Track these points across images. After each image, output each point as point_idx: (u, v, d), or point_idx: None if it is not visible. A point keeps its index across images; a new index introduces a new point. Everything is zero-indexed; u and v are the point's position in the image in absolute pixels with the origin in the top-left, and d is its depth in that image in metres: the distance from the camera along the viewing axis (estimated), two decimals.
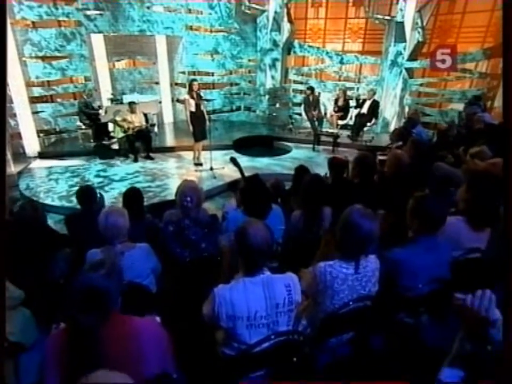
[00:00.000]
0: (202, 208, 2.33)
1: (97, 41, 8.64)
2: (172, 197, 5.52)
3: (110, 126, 7.82)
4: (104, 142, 7.72)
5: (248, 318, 1.48)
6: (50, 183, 6.06)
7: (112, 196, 5.58)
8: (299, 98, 10.10)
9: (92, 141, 7.86)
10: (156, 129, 8.58)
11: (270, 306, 1.50)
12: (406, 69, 8.92)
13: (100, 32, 8.26)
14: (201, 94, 6.61)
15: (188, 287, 2.14)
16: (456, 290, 1.02)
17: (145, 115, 7.54)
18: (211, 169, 6.50)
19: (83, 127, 7.89)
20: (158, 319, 1.73)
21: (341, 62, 9.55)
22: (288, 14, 9.55)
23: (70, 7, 7.70)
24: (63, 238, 3.25)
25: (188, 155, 7.31)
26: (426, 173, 3.16)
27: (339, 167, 3.36)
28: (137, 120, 7.25)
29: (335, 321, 1.65)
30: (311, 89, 8.44)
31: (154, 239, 2.92)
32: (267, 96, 10.11)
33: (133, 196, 3.00)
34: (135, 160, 7.16)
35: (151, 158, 7.27)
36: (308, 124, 8.94)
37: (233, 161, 3.69)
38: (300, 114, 9.67)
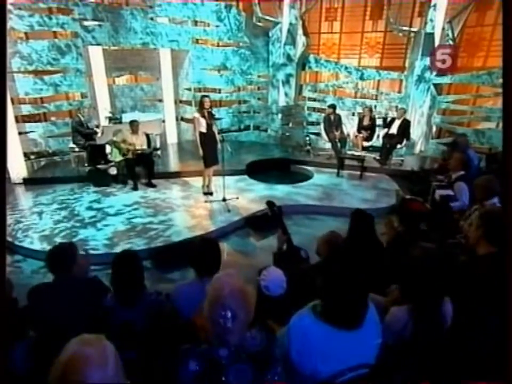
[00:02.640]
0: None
1: (96, 54, 7.88)
2: (178, 237, 4.60)
3: (107, 148, 6.89)
4: (99, 166, 6.77)
5: None
6: (32, 217, 5.06)
7: (105, 234, 4.58)
8: (314, 116, 9.31)
9: (86, 164, 6.94)
10: (159, 152, 7.68)
11: None
12: (434, 85, 8.11)
13: (98, 44, 7.51)
14: (214, 112, 5.70)
15: None
16: None
17: (147, 136, 6.62)
18: (224, 200, 5.51)
19: (77, 148, 6.99)
20: None
21: (361, 78, 8.77)
22: (304, 26, 8.84)
23: (65, 17, 6.93)
24: (26, 319, 2.27)
25: (196, 181, 6.35)
26: None
27: (417, 217, 2.40)
28: (138, 142, 6.34)
29: None
30: (333, 107, 7.57)
31: (160, 330, 1.96)
32: (280, 115, 9.26)
33: (126, 264, 2.04)
34: (135, 188, 6.22)
35: (153, 186, 6.32)
36: (327, 145, 8.06)
37: (270, 205, 2.68)
38: (316, 134, 8.81)
